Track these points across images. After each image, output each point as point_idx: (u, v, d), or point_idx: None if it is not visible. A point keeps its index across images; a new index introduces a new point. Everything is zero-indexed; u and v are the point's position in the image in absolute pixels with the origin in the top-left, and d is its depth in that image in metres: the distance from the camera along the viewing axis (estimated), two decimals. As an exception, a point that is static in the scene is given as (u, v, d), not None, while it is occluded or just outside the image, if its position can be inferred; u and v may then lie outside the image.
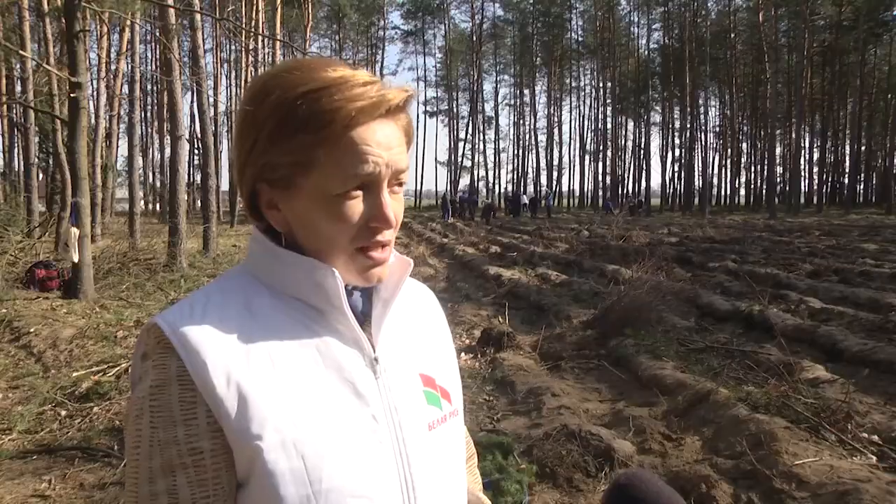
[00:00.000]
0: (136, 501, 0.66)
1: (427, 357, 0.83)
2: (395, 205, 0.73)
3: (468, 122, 59.66)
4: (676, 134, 56.65)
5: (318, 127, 0.67)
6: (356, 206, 0.70)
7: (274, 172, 0.71)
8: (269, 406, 0.67)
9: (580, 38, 60.97)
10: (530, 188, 60.61)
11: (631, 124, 61.34)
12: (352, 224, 0.70)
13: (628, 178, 60.71)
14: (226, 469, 0.67)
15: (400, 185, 0.75)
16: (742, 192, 59.05)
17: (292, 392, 0.68)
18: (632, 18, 58.93)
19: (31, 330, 6.25)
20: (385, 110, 0.70)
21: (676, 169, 56.95)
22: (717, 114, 60.38)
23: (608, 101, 57.80)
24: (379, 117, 0.70)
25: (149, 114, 47.25)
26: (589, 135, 61.41)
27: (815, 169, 54.35)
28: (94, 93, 23.02)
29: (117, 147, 29.96)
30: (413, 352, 0.81)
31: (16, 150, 26.77)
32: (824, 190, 52.51)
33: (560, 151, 64.46)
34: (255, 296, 0.74)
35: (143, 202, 40.11)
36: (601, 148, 59.48)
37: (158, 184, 44.86)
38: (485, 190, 60.14)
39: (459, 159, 58.94)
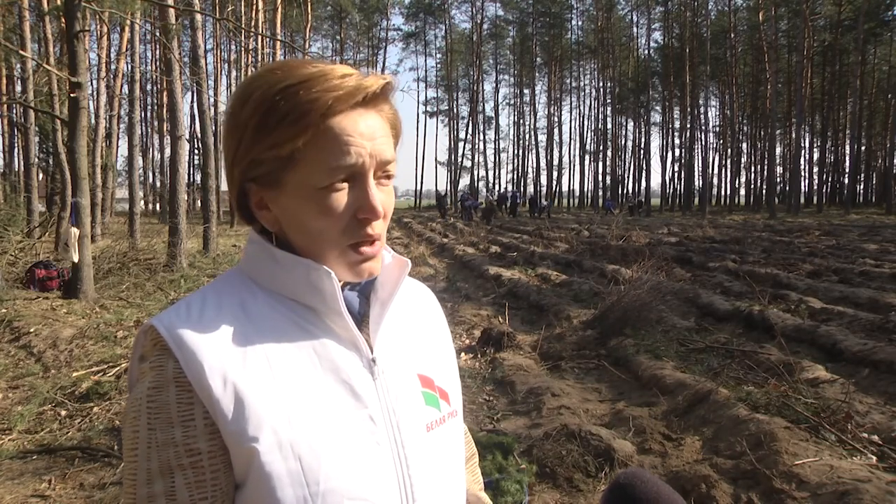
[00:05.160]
0: (134, 503, 0.66)
1: (426, 358, 0.83)
2: (383, 197, 0.73)
3: (468, 122, 59.71)
4: (676, 134, 56.69)
5: (296, 118, 0.68)
6: (342, 198, 0.70)
7: (259, 168, 0.71)
8: (265, 407, 0.66)
9: (580, 38, 61.00)
10: (530, 188, 60.71)
11: (631, 124, 61.46)
12: (340, 217, 0.70)
13: (628, 178, 60.79)
14: (224, 470, 0.67)
15: (388, 177, 0.74)
16: (742, 192, 59.14)
17: (289, 393, 0.68)
18: (631, 18, 59.05)
19: (31, 330, 6.25)
20: (363, 98, 0.70)
21: (676, 169, 57.02)
22: (717, 114, 60.56)
23: (608, 101, 57.80)
24: (360, 107, 0.70)
25: (149, 114, 47.29)
26: (589, 135, 61.52)
27: (815, 169, 54.42)
28: (94, 93, 23.05)
29: (117, 147, 30.06)
30: (411, 352, 0.81)
31: (16, 150, 26.83)
32: (824, 190, 52.52)
33: (560, 151, 64.53)
34: (251, 297, 0.74)
35: (143, 202, 40.19)
36: (601, 148, 59.51)
37: (158, 184, 44.89)
38: (485, 190, 60.18)
39: (459, 159, 59.01)
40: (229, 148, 0.74)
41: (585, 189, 61.62)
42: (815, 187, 53.40)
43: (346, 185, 0.70)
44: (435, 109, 62.76)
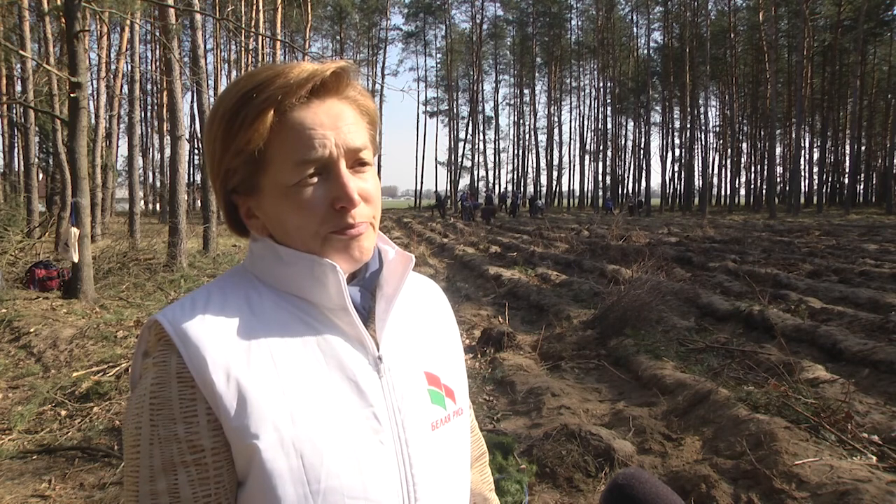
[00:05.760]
0: (136, 500, 0.66)
1: (432, 354, 0.82)
2: (361, 183, 0.73)
3: (468, 122, 59.75)
4: (676, 134, 56.72)
5: (252, 119, 0.68)
6: (316, 190, 0.70)
7: (235, 178, 0.73)
8: (268, 404, 0.66)
9: (580, 38, 61.01)
10: (530, 188, 60.73)
11: (631, 124, 61.48)
12: (316, 210, 0.70)
13: (628, 178, 60.77)
14: (226, 467, 0.67)
15: (362, 164, 0.74)
16: (742, 192, 59.14)
17: (293, 390, 0.68)
18: (631, 18, 59.01)
19: (31, 330, 6.25)
20: (318, 86, 0.70)
21: (676, 169, 57.03)
22: (717, 114, 60.56)
23: (608, 101, 57.81)
24: (320, 98, 0.71)
25: (149, 114, 47.33)
26: (589, 135, 61.54)
27: (815, 169, 54.39)
28: (94, 93, 23.06)
29: (117, 147, 30.07)
30: (418, 349, 0.80)
31: (16, 150, 26.81)
32: (824, 190, 52.47)
33: (560, 151, 64.58)
34: (255, 294, 0.74)
35: (143, 202, 40.20)
36: (601, 148, 59.51)
37: (158, 184, 44.88)
38: (485, 190, 60.19)
39: (459, 159, 59.02)
40: (208, 163, 0.75)
41: (585, 189, 61.64)
42: (815, 187, 53.37)
43: (317, 178, 0.70)
44: (435, 109, 62.85)
